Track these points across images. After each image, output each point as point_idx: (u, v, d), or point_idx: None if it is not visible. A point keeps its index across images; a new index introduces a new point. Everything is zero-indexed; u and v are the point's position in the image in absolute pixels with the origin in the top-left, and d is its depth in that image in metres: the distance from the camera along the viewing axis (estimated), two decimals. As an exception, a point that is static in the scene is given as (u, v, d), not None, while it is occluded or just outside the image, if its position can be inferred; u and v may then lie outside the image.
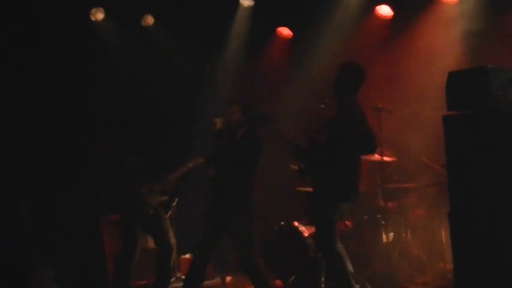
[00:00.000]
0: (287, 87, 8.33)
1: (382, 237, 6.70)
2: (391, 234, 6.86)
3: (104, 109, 7.87)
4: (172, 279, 6.80)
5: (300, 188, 7.19)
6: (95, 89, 7.93)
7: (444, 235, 6.56)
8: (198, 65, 8.58)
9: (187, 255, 7.44)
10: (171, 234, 6.31)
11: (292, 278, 6.63)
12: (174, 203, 7.14)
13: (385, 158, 6.68)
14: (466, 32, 7.20)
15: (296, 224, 6.87)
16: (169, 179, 6.32)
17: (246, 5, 8.48)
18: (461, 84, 4.34)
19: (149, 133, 6.39)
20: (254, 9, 8.50)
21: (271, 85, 8.43)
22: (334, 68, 5.52)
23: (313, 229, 6.04)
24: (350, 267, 5.21)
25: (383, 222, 6.74)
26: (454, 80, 4.38)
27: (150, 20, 8.39)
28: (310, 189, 6.89)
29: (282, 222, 7.09)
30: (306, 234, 6.69)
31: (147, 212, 6.13)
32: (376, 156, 6.64)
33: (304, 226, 6.83)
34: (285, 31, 8.77)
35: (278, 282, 6.78)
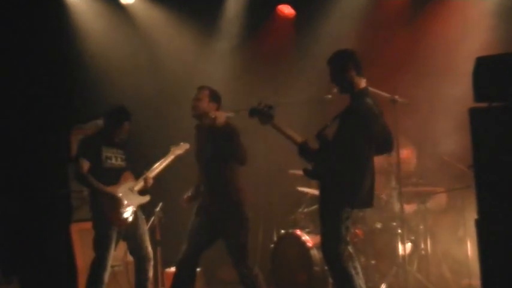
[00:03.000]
0: (289, 74, 8.33)
1: (397, 249, 6.68)
2: (409, 245, 6.84)
3: (79, 100, 7.86)
4: (155, 296, 6.81)
5: (301, 188, 7.18)
6: (68, 77, 7.90)
7: (470, 246, 6.54)
8: (187, 50, 8.55)
9: (173, 269, 7.43)
10: (148, 241, 6.31)
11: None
12: (158, 208, 7.11)
13: (402, 157, 6.64)
14: (497, 7, 7.16)
15: (298, 232, 6.85)
16: (147, 176, 6.32)
17: (241, -20, 8.49)
18: (490, 72, 4.30)
19: (131, 125, 6.36)
20: (250, -15, 8.50)
21: (271, 72, 8.41)
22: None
23: (318, 238, 6.02)
24: (362, 286, 5.18)
25: (399, 231, 6.71)
26: (483, 66, 4.33)
27: (130, -4, 8.39)
28: (312, 191, 6.92)
29: (283, 231, 7.07)
30: (310, 245, 6.68)
31: (126, 217, 6.12)
32: (391, 155, 6.61)
33: (308, 235, 6.81)
34: (286, 9, 8.74)
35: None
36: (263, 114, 5.41)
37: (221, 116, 5.70)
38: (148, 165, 6.46)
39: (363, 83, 5.23)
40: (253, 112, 5.47)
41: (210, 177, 5.75)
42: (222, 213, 5.68)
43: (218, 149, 5.70)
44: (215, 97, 5.87)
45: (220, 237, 5.75)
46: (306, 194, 7.18)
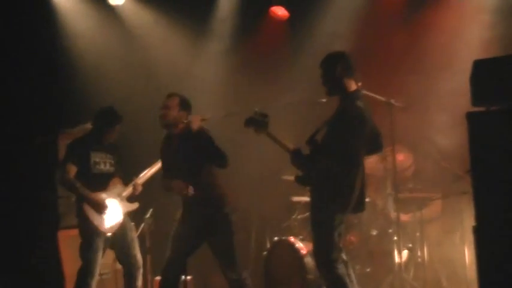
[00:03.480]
0: (284, 77, 8.30)
1: (393, 256, 6.67)
2: (405, 253, 6.83)
3: (67, 104, 7.83)
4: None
5: (295, 198, 7.17)
6: (56, 79, 7.87)
7: (468, 254, 6.53)
8: (178, 52, 8.53)
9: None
10: (137, 248, 6.28)
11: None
12: (148, 215, 7.07)
13: (398, 162, 6.63)
14: (495, 4, 7.17)
15: (292, 239, 6.83)
16: (136, 183, 6.29)
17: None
18: (488, 75, 4.30)
19: (121, 128, 6.33)
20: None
21: (264, 74, 8.38)
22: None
23: (312, 246, 6.01)
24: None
25: (395, 238, 6.70)
26: (481, 69, 4.33)
27: (119, -4, 8.37)
28: (306, 199, 6.90)
29: (276, 238, 7.05)
30: (304, 252, 6.65)
31: (113, 224, 6.09)
32: (387, 160, 6.59)
33: (301, 242, 6.78)
34: (280, 11, 8.73)
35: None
36: (258, 124, 5.42)
37: (196, 120, 5.65)
38: (138, 170, 6.42)
39: (353, 85, 5.24)
40: (249, 122, 5.46)
41: (191, 184, 5.72)
42: (206, 218, 5.66)
43: (197, 154, 5.66)
44: (185, 105, 5.80)
45: (204, 242, 5.74)
46: (300, 200, 7.16)
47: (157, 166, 6.36)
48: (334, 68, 5.22)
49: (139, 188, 6.33)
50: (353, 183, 5.10)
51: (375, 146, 5.42)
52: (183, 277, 5.84)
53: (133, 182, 6.31)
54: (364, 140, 5.16)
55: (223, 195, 5.76)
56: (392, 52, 7.62)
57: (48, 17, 8.01)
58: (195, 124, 5.60)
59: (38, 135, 7.44)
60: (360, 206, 5.25)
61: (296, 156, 5.28)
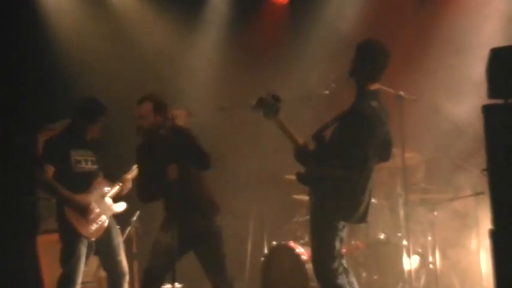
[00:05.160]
0: (283, 67, 8.28)
1: (403, 262, 6.64)
2: (416, 258, 6.80)
3: (48, 98, 7.84)
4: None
5: (297, 197, 7.14)
6: (36, 72, 7.87)
7: (484, 259, 6.51)
8: (169, 41, 8.52)
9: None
10: (123, 254, 6.24)
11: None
12: (135, 217, 7.06)
13: (408, 160, 6.59)
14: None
15: (292, 244, 6.82)
16: (124, 179, 6.24)
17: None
18: (507, 65, 4.28)
19: (106, 122, 6.29)
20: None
21: (262, 65, 8.38)
22: (348, 44, 5.43)
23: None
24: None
25: (405, 243, 6.68)
26: (498, 59, 4.31)
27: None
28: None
29: (274, 242, 7.03)
30: (306, 258, 6.64)
31: (98, 228, 6.05)
32: (396, 158, 6.56)
33: (302, 247, 6.77)
34: (279, -5, 8.77)
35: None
36: (269, 107, 5.26)
37: (181, 116, 5.59)
38: (125, 169, 6.38)
39: (376, 85, 5.17)
40: (260, 103, 5.29)
41: (176, 187, 5.66)
42: (193, 224, 5.62)
43: (181, 154, 5.60)
44: (160, 108, 5.63)
45: (191, 250, 5.70)
46: (301, 201, 7.13)
47: None
48: (369, 64, 5.12)
49: (129, 185, 6.28)
50: (361, 190, 5.05)
51: (383, 154, 5.34)
52: (172, 285, 5.80)
53: (121, 179, 6.25)
54: (376, 143, 5.09)
55: (213, 201, 5.73)
56: (402, 40, 7.59)
57: (27, 4, 7.99)
58: (180, 120, 5.55)
59: (17, 135, 7.43)
60: (364, 216, 5.20)
61: (302, 152, 5.19)
